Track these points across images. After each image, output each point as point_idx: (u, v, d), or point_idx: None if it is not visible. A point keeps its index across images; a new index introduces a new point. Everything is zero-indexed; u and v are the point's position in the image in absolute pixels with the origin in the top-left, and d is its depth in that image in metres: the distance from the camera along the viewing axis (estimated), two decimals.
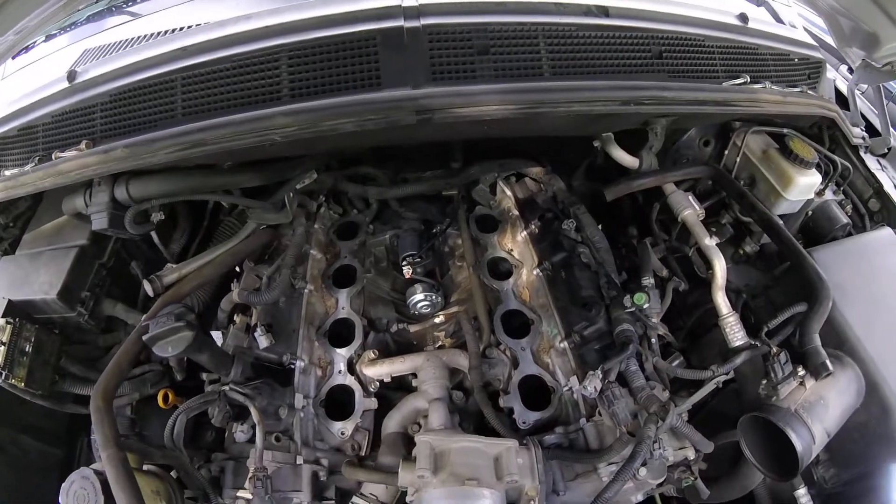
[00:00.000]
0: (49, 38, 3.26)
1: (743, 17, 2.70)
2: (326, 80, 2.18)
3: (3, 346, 2.37)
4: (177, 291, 2.55)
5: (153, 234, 2.75)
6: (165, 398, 2.61)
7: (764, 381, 2.14)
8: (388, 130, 2.18)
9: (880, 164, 3.10)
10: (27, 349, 2.46)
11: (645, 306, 2.23)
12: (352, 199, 3.03)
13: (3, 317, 2.43)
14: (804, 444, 2.03)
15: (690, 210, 2.47)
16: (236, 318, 2.59)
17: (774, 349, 2.13)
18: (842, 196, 2.99)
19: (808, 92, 2.76)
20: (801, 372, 2.12)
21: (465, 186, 2.95)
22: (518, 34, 2.26)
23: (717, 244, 2.42)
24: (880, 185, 2.97)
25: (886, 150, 3.14)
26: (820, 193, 2.79)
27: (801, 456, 2.01)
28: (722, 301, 2.32)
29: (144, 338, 2.13)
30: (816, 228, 2.83)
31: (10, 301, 2.50)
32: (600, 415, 2.18)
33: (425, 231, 2.92)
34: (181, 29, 2.55)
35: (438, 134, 2.53)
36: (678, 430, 2.04)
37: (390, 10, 2.24)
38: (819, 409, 2.11)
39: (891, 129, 3.13)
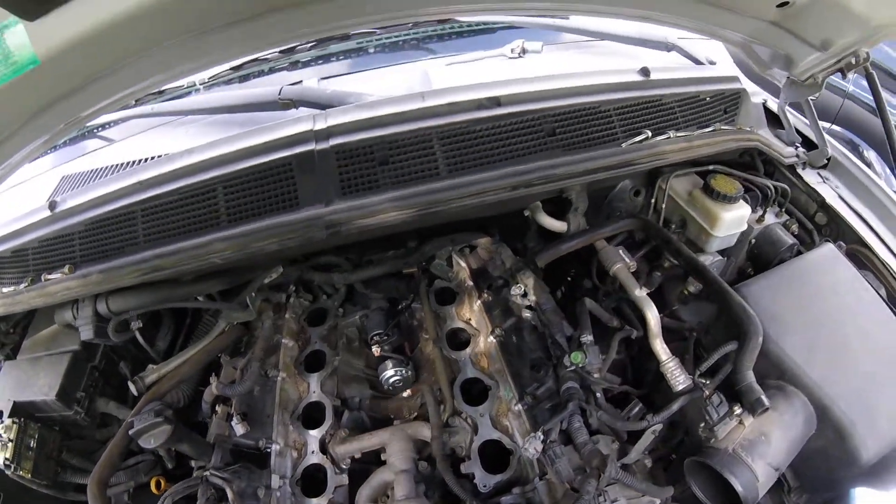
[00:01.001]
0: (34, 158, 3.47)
1: (644, 72, 2.76)
2: (255, 205, 2.37)
3: (11, 443, 2.59)
4: (157, 390, 2.70)
5: (137, 335, 2.86)
6: (158, 485, 2.71)
7: (702, 424, 2.12)
8: (307, 244, 2.34)
9: (821, 177, 3.09)
10: (32, 444, 2.67)
11: (583, 364, 2.22)
12: (321, 285, 3.07)
13: (10, 417, 2.66)
14: (745, 484, 2.00)
15: (620, 264, 2.50)
16: (218, 408, 2.67)
17: (706, 392, 2.10)
18: (786, 217, 2.97)
19: (723, 128, 2.80)
20: (738, 410, 2.10)
21: (423, 263, 2.97)
22: (414, 140, 2.41)
23: (650, 293, 2.42)
24: (823, 199, 2.96)
25: (826, 161, 3.11)
26: (760, 220, 2.80)
27: (743, 497, 1.99)
28: (660, 348, 2.33)
29: (130, 432, 2.36)
30: (762, 255, 2.83)
31: (15, 402, 2.71)
32: None
33: (391, 308, 2.96)
34: (140, 161, 2.78)
35: (354, 238, 2.69)
36: (622, 481, 2.01)
37: (303, 136, 2.43)
38: (760, 445, 2.09)
39: (827, 138, 3.10)
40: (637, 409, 2.34)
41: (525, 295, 2.58)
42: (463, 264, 2.89)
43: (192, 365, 2.79)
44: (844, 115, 6.27)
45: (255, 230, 2.28)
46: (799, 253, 2.84)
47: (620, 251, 2.55)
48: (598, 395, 2.30)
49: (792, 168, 3.06)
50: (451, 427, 2.47)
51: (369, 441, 2.52)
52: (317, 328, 2.99)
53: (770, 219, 2.86)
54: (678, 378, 2.27)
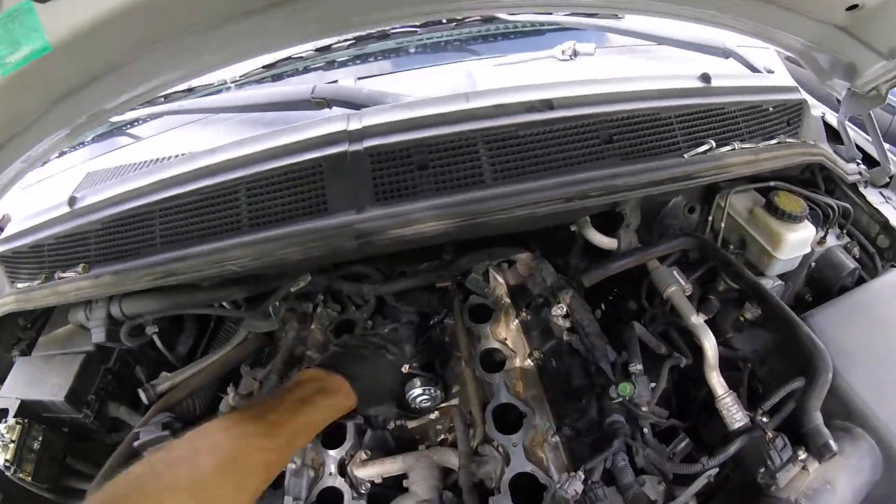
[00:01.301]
0: (62, 154, 3.47)
1: (705, 78, 2.52)
2: (280, 210, 2.16)
3: (13, 444, 2.48)
4: (168, 399, 2.55)
5: (156, 339, 2.72)
6: None
7: (762, 469, 1.87)
8: (334, 254, 2.18)
9: (883, 196, 2.83)
10: (35, 447, 2.56)
11: (631, 396, 1.99)
12: (350, 296, 2.87)
13: (15, 416, 2.54)
14: None
15: (675, 287, 2.25)
16: None
17: (769, 434, 1.85)
18: (847, 239, 2.71)
19: (788, 140, 2.54)
20: (803, 455, 1.86)
21: (458, 277, 2.75)
22: (457, 144, 2.18)
23: (706, 320, 2.17)
24: (886, 220, 2.70)
25: (888, 180, 2.86)
26: (821, 242, 2.54)
27: None
28: (716, 381, 2.08)
29: (136, 444, 2.23)
30: (823, 280, 2.57)
31: (22, 401, 2.59)
32: None
33: (422, 323, 2.74)
34: (164, 159, 2.58)
35: (386, 250, 2.47)
36: None
37: (336, 136, 2.22)
38: (825, 495, 1.84)
39: (890, 156, 2.86)
40: (683, 444, 2.11)
41: (567, 316, 2.35)
42: (500, 280, 2.67)
43: (207, 375, 2.64)
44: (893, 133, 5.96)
45: (277, 237, 2.08)
46: (861, 278, 2.59)
47: (675, 272, 2.31)
48: (646, 430, 2.07)
49: (854, 186, 2.79)
50: (480, 456, 2.26)
51: (391, 465, 2.31)
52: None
53: (831, 241, 2.60)
54: (735, 415, 2.03)
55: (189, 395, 2.59)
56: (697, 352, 2.40)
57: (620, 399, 2.02)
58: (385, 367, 2.17)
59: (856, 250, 2.67)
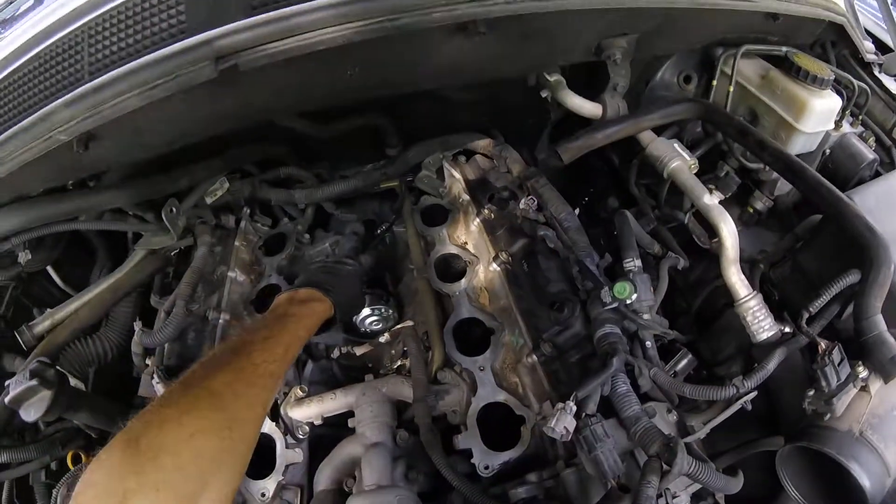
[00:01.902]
0: None
1: None
2: (124, 49, 1.35)
3: None
4: (51, 341, 1.95)
5: (50, 270, 2.11)
6: (76, 459, 1.99)
7: (811, 392, 1.30)
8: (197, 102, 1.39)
9: None
10: None
11: (630, 299, 1.36)
12: (283, 207, 2.20)
13: None
14: (875, 481, 1.21)
15: (679, 161, 1.61)
16: (149, 360, 1.90)
17: (823, 345, 1.25)
18: (861, 128, 2.07)
19: None
20: (863, 373, 1.27)
21: (407, 175, 2.09)
22: None
23: (720, 202, 1.53)
24: None
25: None
26: (837, 125, 1.89)
27: (871, 498, 1.21)
28: (737, 279, 1.48)
29: (6, 400, 1.66)
30: (838, 170, 1.94)
31: None
32: None
33: (368, 233, 2.09)
34: None
35: (273, 104, 1.69)
36: (697, 477, 1.19)
37: None
38: (892, 424, 1.28)
39: None
40: (685, 361, 1.52)
41: (540, 209, 1.71)
42: (457, 175, 2.02)
43: (94, 307, 2.01)
44: None
45: (109, 81, 1.31)
46: (877, 172, 1.96)
47: (676, 145, 1.67)
48: (649, 344, 1.46)
49: (869, 69, 2.16)
50: (440, 384, 1.66)
51: (332, 403, 1.73)
52: (273, 258, 2.14)
53: (845, 127, 1.96)
54: (762, 323, 1.44)
55: (74, 334, 1.97)
56: (694, 254, 1.83)
57: (615, 304, 1.41)
58: (348, 275, 1.77)
59: (871, 141, 2.05)
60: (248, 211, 2.18)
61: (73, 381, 1.99)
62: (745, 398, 1.31)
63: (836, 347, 1.28)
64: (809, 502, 1.35)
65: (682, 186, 1.60)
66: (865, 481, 1.19)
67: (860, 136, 2.02)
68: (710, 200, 1.53)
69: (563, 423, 1.23)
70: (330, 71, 1.47)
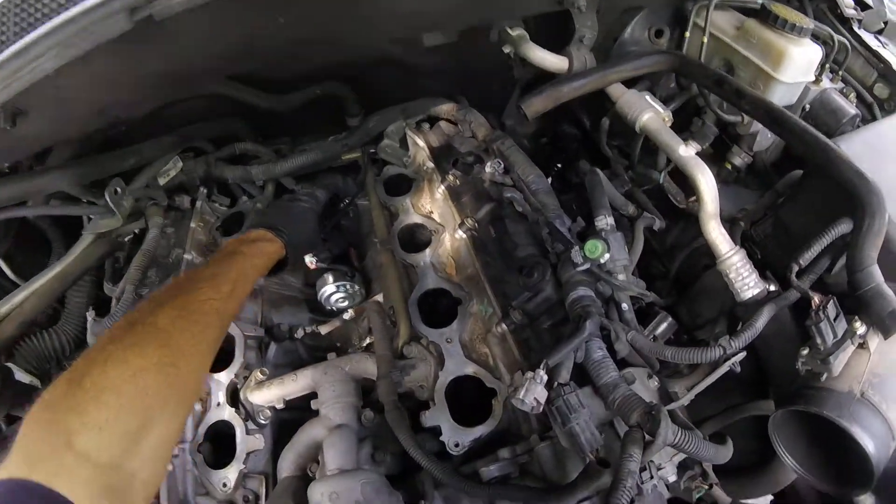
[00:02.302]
0: None
1: None
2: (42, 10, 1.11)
3: None
4: None
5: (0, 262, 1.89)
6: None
7: (805, 351, 1.12)
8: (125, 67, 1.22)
9: (880, 42, 2.01)
10: None
11: (603, 259, 1.17)
12: (241, 185, 1.99)
13: None
14: (878, 444, 1.06)
15: (651, 113, 1.42)
16: None
17: (817, 299, 1.08)
18: (841, 84, 1.88)
19: None
20: (861, 328, 1.11)
21: (369, 146, 1.90)
22: None
23: (697, 153, 1.35)
24: (888, 65, 1.90)
25: (883, 25, 2.06)
26: (817, 81, 1.69)
27: (875, 462, 1.04)
28: (718, 234, 1.30)
29: None
30: (819, 126, 1.71)
31: None
32: None
33: (331, 207, 1.89)
34: None
35: (201, 59, 1.47)
36: (683, 448, 1.00)
37: None
38: (894, 383, 1.12)
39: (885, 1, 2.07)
40: (665, 325, 1.35)
41: (507, 172, 1.52)
42: (420, 143, 1.83)
43: (40, 298, 1.79)
44: None
45: (25, 45, 1.07)
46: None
47: (648, 97, 1.48)
48: (625, 306, 1.28)
49: (848, 24, 1.98)
50: (406, 359, 1.47)
51: (293, 385, 1.55)
52: (231, 238, 1.90)
53: (825, 83, 1.77)
54: (746, 280, 1.27)
55: (22, 327, 1.77)
56: (670, 217, 1.67)
57: (587, 265, 1.22)
58: (302, 213, 1.66)
59: (852, 97, 1.87)
60: (206, 191, 1.97)
61: (27, 379, 1.81)
62: (732, 359, 1.14)
63: (831, 301, 1.10)
64: (806, 470, 1.18)
65: (656, 139, 1.41)
66: (869, 445, 1.02)
67: (840, 91, 1.84)
68: (686, 151, 1.35)
69: (532, 394, 1.05)
70: (256, 17, 1.27)
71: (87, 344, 1.78)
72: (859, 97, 1.90)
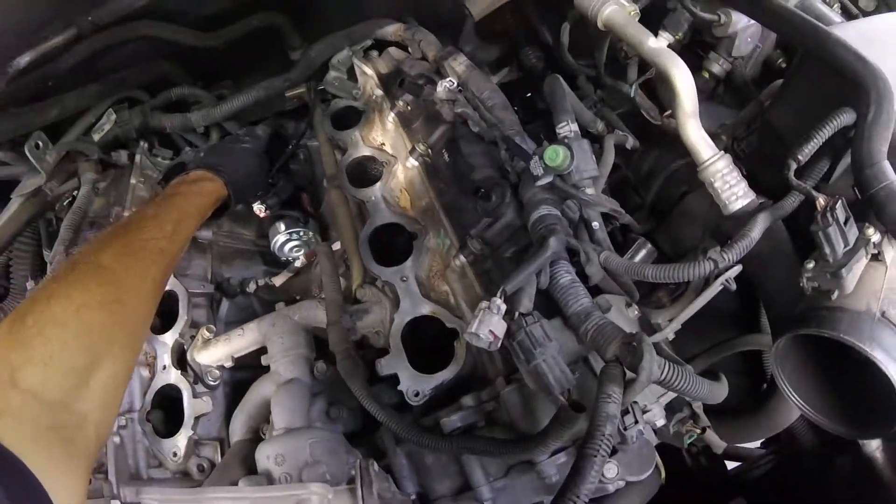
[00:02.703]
0: None
1: None
2: None
3: None
4: None
5: None
6: None
7: (811, 265, 0.90)
8: None
9: None
10: None
11: (565, 166, 0.94)
12: (183, 135, 1.74)
13: None
14: None
15: (613, 6, 1.16)
16: None
17: (822, 200, 0.86)
18: None
19: None
20: (874, 236, 0.87)
21: (313, 80, 1.64)
22: None
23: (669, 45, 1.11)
24: None
25: None
26: None
27: None
28: (699, 137, 1.06)
29: None
30: None
31: None
32: None
33: (278, 146, 1.64)
34: None
35: None
36: (672, 384, 0.78)
37: None
38: None
39: None
40: (645, 251, 1.13)
41: (460, 90, 1.27)
42: (369, 71, 1.58)
43: None
44: None
45: None
46: None
47: None
48: (596, 224, 1.05)
49: None
50: (359, 303, 1.26)
51: (240, 341, 1.34)
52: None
53: None
54: (734, 188, 1.04)
55: None
56: (644, 143, 1.45)
57: (549, 178, 0.99)
58: (242, 152, 1.50)
59: (836, 7, 1.61)
60: (146, 145, 1.72)
61: None
62: (726, 274, 0.91)
63: (840, 202, 0.87)
64: (813, 408, 0.96)
65: (622, 34, 1.16)
66: (890, 370, 0.80)
67: (824, 1, 1.59)
68: (657, 43, 1.10)
69: (487, 326, 0.83)
70: None
71: None
72: (843, 9, 1.65)
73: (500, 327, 0.84)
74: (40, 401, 0.78)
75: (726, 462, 2.01)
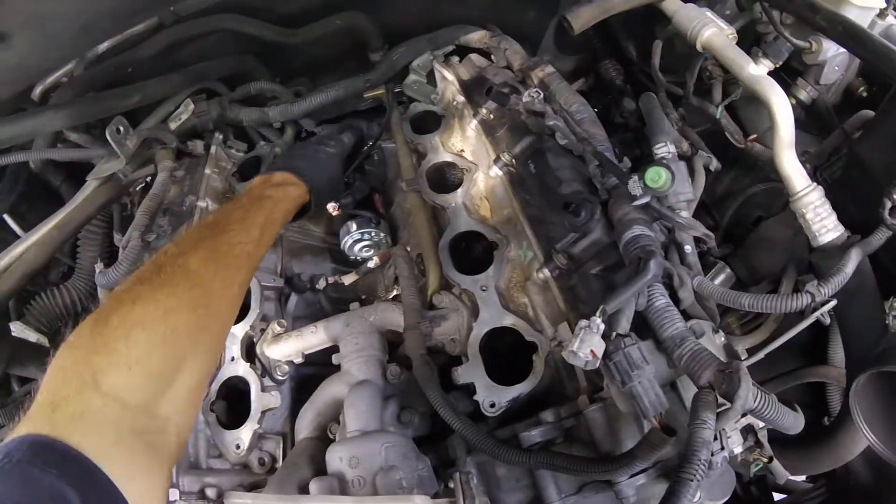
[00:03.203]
0: None
1: None
2: None
3: None
4: None
5: (7, 218, 1.79)
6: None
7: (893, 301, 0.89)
8: None
9: None
10: None
11: (666, 188, 0.96)
12: (258, 130, 1.80)
13: None
14: None
15: (714, 29, 1.17)
16: None
17: None
18: None
19: None
20: None
21: (393, 83, 1.68)
22: None
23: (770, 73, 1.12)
24: None
25: None
26: (882, 14, 1.42)
27: None
28: (794, 166, 1.07)
29: None
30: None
31: None
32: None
33: (355, 149, 1.68)
34: None
35: None
36: (761, 414, 0.80)
37: None
38: None
39: None
40: (724, 275, 1.14)
41: (546, 100, 1.29)
42: (450, 76, 1.61)
43: (41, 248, 1.64)
44: None
45: None
46: None
47: (708, 12, 1.23)
48: (689, 248, 1.06)
49: None
50: (437, 309, 1.29)
51: (313, 338, 1.37)
52: (254, 179, 1.72)
53: (890, 19, 1.50)
54: (825, 221, 1.04)
55: (23, 280, 1.61)
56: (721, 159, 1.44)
57: (647, 199, 1.00)
58: (327, 158, 1.49)
59: None
60: (221, 136, 1.77)
61: (34, 336, 1.67)
62: (823, 308, 0.92)
63: None
64: (885, 444, 0.97)
65: (721, 57, 1.17)
66: None
67: None
68: (758, 70, 1.11)
69: (588, 345, 0.85)
70: None
71: (98, 299, 1.63)
72: None
73: (599, 347, 0.86)
74: (123, 405, 0.78)
75: (774, 494, 2.00)
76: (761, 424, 1.08)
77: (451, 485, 0.91)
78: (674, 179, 0.98)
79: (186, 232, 1.19)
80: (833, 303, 0.94)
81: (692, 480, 0.77)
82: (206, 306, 0.94)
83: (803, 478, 2.00)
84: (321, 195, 1.39)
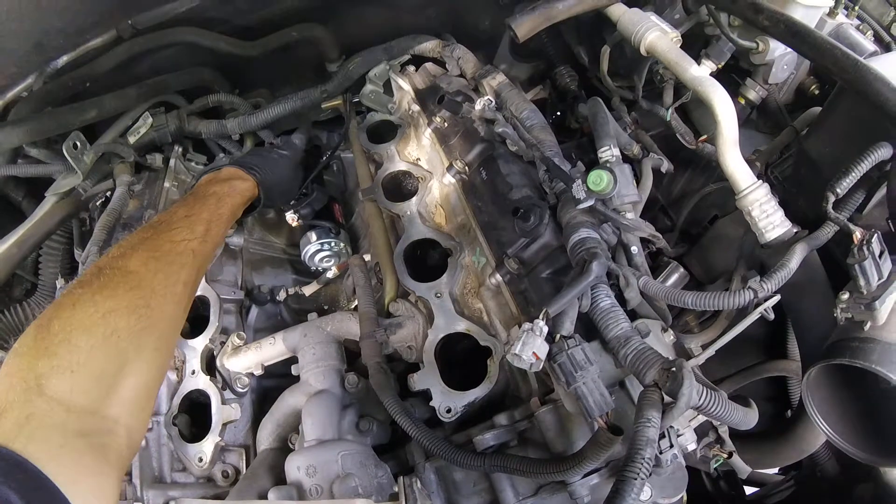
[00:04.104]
0: None
1: None
2: None
3: None
4: None
5: None
6: None
7: (845, 296, 0.92)
8: None
9: None
10: None
11: (608, 190, 0.96)
12: (217, 142, 1.78)
13: None
14: None
15: (657, 32, 1.19)
16: None
17: (858, 233, 0.88)
18: (857, 20, 1.62)
19: None
20: None
21: (349, 93, 1.67)
22: None
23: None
24: None
25: None
26: (832, 13, 1.45)
27: None
28: (738, 165, 1.08)
29: None
30: None
31: None
32: None
33: (313, 157, 1.68)
34: None
35: None
36: (707, 410, 0.81)
37: None
38: None
39: None
40: (677, 275, 1.16)
41: (498, 108, 1.30)
42: (405, 86, 1.61)
43: (2, 264, 1.60)
44: None
45: None
46: None
47: (653, 16, 1.25)
48: (635, 249, 1.07)
49: None
50: (393, 317, 1.27)
51: (271, 349, 1.37)
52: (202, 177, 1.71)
53: (840, 17, 1.53)
54: (772, 217, 1.06)
55: None
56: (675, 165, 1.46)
57: (591, 201, 1.01)
58: (279, 158, 1.51)
59: (869, 35, 1.63)
60: (180, 149, 1.75)
61: None
62: (765, 304, 0.93)
63: (875, 235, 0.89)
64: (840, 435, 0.98)
65: (665, 60, 1.18)
66: None
67: (857, 28, 1.61)
68: (699, 71, 1.13)
69: (531, 348, 0.85)
70: None
71: None
72: (877, 36, 1.66)
73: (542, 349, 0.86)
74: (67, 408, 0.78)
75: (745, 487, 2.02)
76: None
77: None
78: (616, 182, 0.99)
79: (130, 234, 1.16)
80: (776, 298, 0.95)
81: (636, 479, 0.77)
82: (148, 306, 0.94)
83: (776, 470, 2.02)
84: (270, 189, 1.39)
